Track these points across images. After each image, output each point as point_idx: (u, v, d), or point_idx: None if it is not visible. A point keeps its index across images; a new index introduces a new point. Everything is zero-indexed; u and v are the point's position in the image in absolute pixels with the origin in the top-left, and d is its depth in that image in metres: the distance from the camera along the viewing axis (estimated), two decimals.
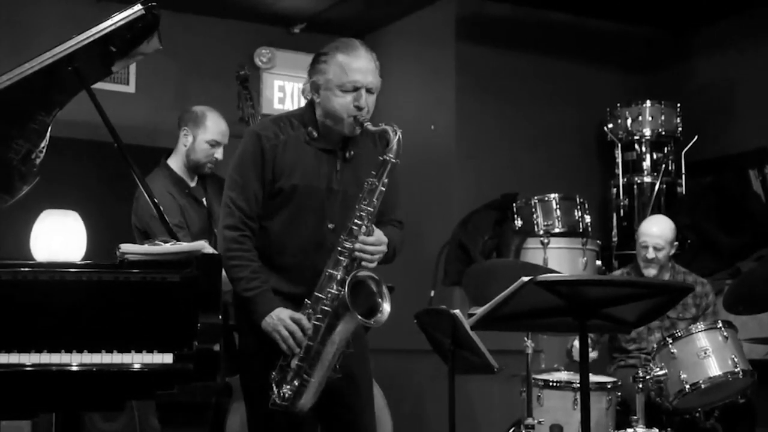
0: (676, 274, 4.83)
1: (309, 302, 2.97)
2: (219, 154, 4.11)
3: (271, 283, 3.04)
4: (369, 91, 3.04)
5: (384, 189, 2.97)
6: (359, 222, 2.96)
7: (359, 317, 2.89)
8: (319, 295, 2.96)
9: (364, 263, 2.97)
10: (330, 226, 3.05)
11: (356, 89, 3.01)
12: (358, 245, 2.94)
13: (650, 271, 4.72)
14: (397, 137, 2.95)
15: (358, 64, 3.02)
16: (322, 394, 3.08)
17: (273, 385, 2.96)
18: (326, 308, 2.94)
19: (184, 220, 3.97)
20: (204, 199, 4.14)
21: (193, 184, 4.16)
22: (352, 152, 3.12)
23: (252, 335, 3.05)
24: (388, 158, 2.96)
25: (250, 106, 4.65)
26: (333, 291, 2.94)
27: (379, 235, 3.01)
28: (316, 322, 2.95)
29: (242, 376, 3.21)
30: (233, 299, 3.18)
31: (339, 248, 2.96)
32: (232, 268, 3.02)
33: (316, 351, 2.95)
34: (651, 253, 4.70)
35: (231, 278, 3.03)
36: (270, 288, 3.02)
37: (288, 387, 2.95)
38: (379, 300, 2.95)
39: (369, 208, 2.96)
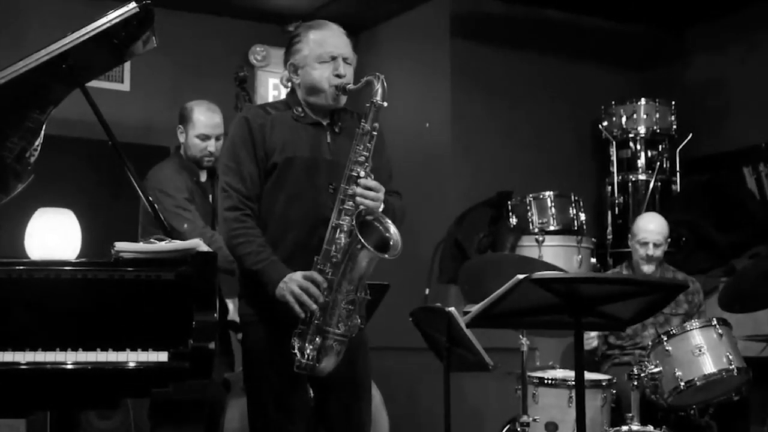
0: (665, 272, 4.84)
1: (318, 258, 2.94)
2: (212, 146, 4.10)
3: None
4: (345, 61, 3.07)
5: (375, 134, 2.97)
6: (357, 168, 2.95)
7: (372, 249, 2.84)
8: (328, 248, 2.93)
9: (367, 208, 2.93)
10: (331, 188, 3.03)
11: (334, 58, 3.05)
12: (359, 189, 2.93)
13: (650, 268, 4.73)
14: (381, 81, 2.97)
15: (332, 38, 3.10)
16: (317, 389, 3.08)
17: (295, 347, 2.91)
18: (337, 259, 2.91)
19: (192, 198, 4.00)
20: (210, 196, 4.15)
21: (202, 179, 4.17)
22: (340, 124, 3.13)
23: (260, 324, 3.03)
24: (375, 101, 2.97)
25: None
26: (342, 241, 2.91)
27: (377, 182, 2.99)
28: (330, 276, 2.92)
29: (246, 369, 3.15)
30: (240, 289, 3.15)
31: (341, 196, 2.94)
32: (238, 246, 3.00)
33: (333, 301, 2.91)
34: (651, 250, 4.70)
35: (238, 256, 3.01)
36: (279, 259, 2.98)
37: (311, 346, 2.91)
38: (387, 234, 2.92)
39: (365, 153, 2.96)
